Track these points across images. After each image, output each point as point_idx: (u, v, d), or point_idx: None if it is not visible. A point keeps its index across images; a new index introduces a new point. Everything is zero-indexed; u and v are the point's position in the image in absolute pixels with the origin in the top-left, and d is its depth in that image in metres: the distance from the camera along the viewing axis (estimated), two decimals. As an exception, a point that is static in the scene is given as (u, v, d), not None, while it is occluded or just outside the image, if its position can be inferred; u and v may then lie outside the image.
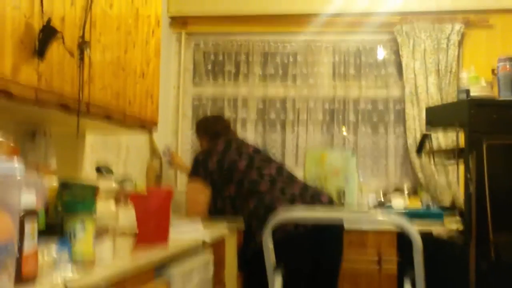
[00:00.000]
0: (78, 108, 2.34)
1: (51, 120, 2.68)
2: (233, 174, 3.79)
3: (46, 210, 1.92)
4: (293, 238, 3.52)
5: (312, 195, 3.69)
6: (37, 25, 2.05)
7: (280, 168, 3.92)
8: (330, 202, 3.75)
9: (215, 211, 3.86)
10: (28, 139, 2.75)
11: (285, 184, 3.74)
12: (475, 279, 3.52)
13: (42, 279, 1.59)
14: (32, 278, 1.53)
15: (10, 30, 1.92)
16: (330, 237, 3.68)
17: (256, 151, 3.98)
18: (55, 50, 2.16)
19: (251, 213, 3.64)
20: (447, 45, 4.98)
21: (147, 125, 3.23)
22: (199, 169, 3.88)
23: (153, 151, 4.65)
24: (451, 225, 4.01)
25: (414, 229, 2.77)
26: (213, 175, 3.83)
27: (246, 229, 3.69)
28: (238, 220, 3.73)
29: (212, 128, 4.18)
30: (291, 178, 3.84)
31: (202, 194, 3.87)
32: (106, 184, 2.21)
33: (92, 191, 2.00)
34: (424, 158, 4.62)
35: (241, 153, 3.88)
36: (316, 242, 3.60)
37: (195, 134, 4.38)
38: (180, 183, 5.01)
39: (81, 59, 2.35)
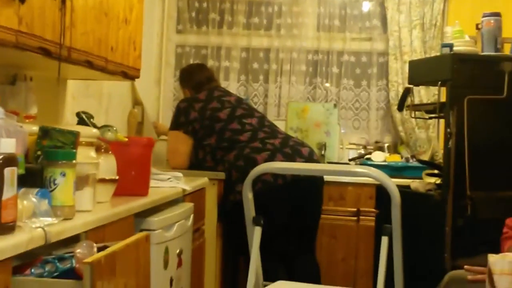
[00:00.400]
0: (59, 53, 2.31)
1: (32, 65, 2.65)
2: (215, 123, 3.78)
3: (26, 156, 1.91)
4: (272, 189, 3.55)
5: (292, 147, 3.70)
6: (18, -33, 2.00)
7: (262, 118, 3.92)
8: (311, 154, 3.77)
9: (196, 162, 3.86)
10: (8, 84, 2.71)
11: (266, 134, 3.75)
12: (451, 234, 3.57)
13: (21, 225, 1.59)
14: (11, 225, 1.52)
15: (-11, -29, 1.88)
16: (310, 189, 3.72)
17: (239, 100, 3.98)
18: (36, -7, 2.12)
19: (231, 164, 3.65)
20: (433, -1, 4.95)
21: (129, 72, 3.19)
22: (181, 117, 3.87)
23: (135, 99, 4.62)
24: (429, 180, 4.05)
25: (392, 183, 2.80)
26: (195, 124, 3.82)
27: (226, 180, 3.70)
28: (218, 172, 3.74)
29: (195, 77, 4.13)
30: (273, 129, 3.85)
31: (184, 144, 3.86)
32: (87, 131, 2.19)
33: (73, 137, 1.98)
34: (405, 112, 4.63)
35: (223, 102, 3.87)
36: (296, 193, 3.63)
37: (178, 83, 4.34)
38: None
39: (63, 2, 2.31)
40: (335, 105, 5.10)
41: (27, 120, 2.25)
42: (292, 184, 3.60)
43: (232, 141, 3.74)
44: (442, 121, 4.22)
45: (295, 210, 3.68)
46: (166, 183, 3.02)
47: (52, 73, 2.57)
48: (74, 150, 1.93)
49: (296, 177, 3.58)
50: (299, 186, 3.63)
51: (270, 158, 3.58)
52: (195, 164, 3.88)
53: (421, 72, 4.06)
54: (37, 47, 2.20)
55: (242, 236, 3.11)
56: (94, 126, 2.43)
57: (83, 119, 2.46)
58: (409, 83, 4.21)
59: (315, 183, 3.75)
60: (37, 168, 1.84)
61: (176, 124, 3.90)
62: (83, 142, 2.07)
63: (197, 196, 3.32)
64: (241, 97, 4.30)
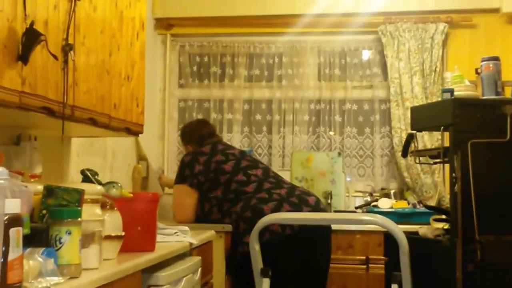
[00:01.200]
0: (63, 112, 2.33)
1: (36, 125, 2.67)
2: (220, 176, 3.79)
3: (31, 216, 1.91)
4: (280, 240, 3.53)
5: (299, 196, 3.69)
6: (20, 28, 2.03)
7: (266, 169, 3.93)
8: (317, 203, 3.75)
9: (202, 214, 3.84)
10: (12, 144, 2.73)
11: (272, 185, 3.75)
12: (462, 279, 3.53)
13: (27, 285, 1.57)
14: (18, 286, 1.51)
15: (-7, 34, 1.91)
16: (318, 238, 3.69)
17: (242, 153, 4.00)
18: (38, 54, 2.15)
19: (238, 216, 3.64)
20: (431, 45, 5.00)
21: (132, 128, 3.21)
22: (185, 170, 3.87)
23: (139, 154, 4.63)
24: (437, 225, 4.02)
25: (399, 230, 2.78)
26: (200, 177, 3.82)
27: (234, 232, 3.68)
28: (225, 224, 3.72)
29: (198, 133, 4.14)
30: (278, 179, 3.85)
31: (189, 197, 3.85)
32: (92, 188, 2.19)
33: (78, 195, 1.98)
34: (410, 158, 4.64)
35: (227, 154, 3.89)
36: (304, 243, 3.60)
37: (181, 142, 4.33)
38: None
39: (65, 62, 2.34)
40: (339, 153, 5.11)
41: (32, 180, 2.25)
42: (300, 233, 3.58)
43: (238, 193, 3.73)
44: (447, 165, 4.22)
45: (304, 259, 3.65)
46: (173, 237, 3.00)
47: (56, 132, 2.59)
48: (79, 208, 1.93)
49: (304, 226, 3.57)
50: (307, 235, 3.61)
51: (277, 208, 3.57)
52: (201, 217, 3.86)
53: (423, 118, 4.07)
54: (41, 107, 2.22)
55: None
56: (99, 183, 2.43)
57: (88, 176, 2.46)
58: (412, 129, 4.23)
59: (322, 232, 3.73)
60: (42, 227, 1.84)
61: (181, 178, 3.89)
62: (88, 200, 2.07)
63: (204, 249, 3.30)
64: (244, 149, 4.31)
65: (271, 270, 3.09)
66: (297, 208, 3.60)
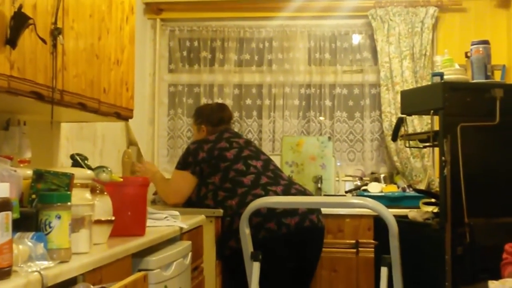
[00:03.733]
0: (52, 96, 2.32)
1: (25, 109, 2.66)
2: (221, 162, 3.79)
3: (21, 200, 1.90)
4: (275, 238, 3.55)
5: (294, 195, 3.71)
6: (8, 12, 2.02)
7: (267, 162, 3.92)
8: None
9: (197, 198, 3.85)
10: (1, 129, 2.72)
11: (269, 180, 3.75)
12: (451, 262, 3.56)
13: (17, 270, 1.58)
14: (7, 270, 1.51)
15: (-20, 18, 1.89)
16: (312, 238, 3.72)
17: (248, 142, 4.01)
18: (27, 37, 2.13)
19: (234, 212, 3.65)
20: (421, 29, 5.01)
21: (122, 113, 3.20)
22: (189, 157, 3.88)
23: (130, 139, 4.62)
24: (427, 209, 4.04)
25: (389, 213, 2.79)
26: (202, 165, 3.83)
27: (227, 226, 3.69)
28: (216, 211, 3.73)
29: (217, 116, 4.13)
30: (276, 174, 3.84)
31: (188, 184, 3.87)
32: (82, 173, 2.19)
33: (67, 180, 1.98)
34: (400, 142, 4.65)
35: (232, 142, 3.90)
36: (298, 242, 3.64)
37: (195, 121, 4.23)
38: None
39: (54, 46, 2.33)
40: (329, 138, 5.11)
41: (21, 165, 2.24)
42: (296, 233, 3.60)
43: (235, 183, 3.73)
44: (436, 149, 4.23)
45: (297, 257, 3.69)
46: (163, 222, 3.01)
47: (45, 117, 2.57)
48: (69, 192, 1.93)
49: (300, 225, 3.60)
50: (302, 235, 3.64)
51: (273, 207, 3.57)
52: (195, 201, 3.87)
53: (413, 102, 4.08)
54: (30, 91, 2.21)
55: (242, 285, 3.13)
56: (89, 167, 2.43)
57: (78, 161, 2.45)
58: (402, 113, 4.23)
59: (317, 233, 3.75)
60: (32, 212, 1.84)
61: (184, 164, 3.89)
62: (78, 184, 2.07)
63: (194, 234, 3.31)
64: (251, 141, 4.29)
65: (265, 264, 3.11)
66: (292, 208, 3.60)
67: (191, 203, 3.89)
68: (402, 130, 4.22)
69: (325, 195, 4.92)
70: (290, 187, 3.74)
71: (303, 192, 3.80)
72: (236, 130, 5.20)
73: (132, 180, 2.84)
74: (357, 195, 4.75)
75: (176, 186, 3.93)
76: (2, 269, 1.49)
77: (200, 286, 3.46)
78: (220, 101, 5.25)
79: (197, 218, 3.44)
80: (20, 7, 2.03)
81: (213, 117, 4.12)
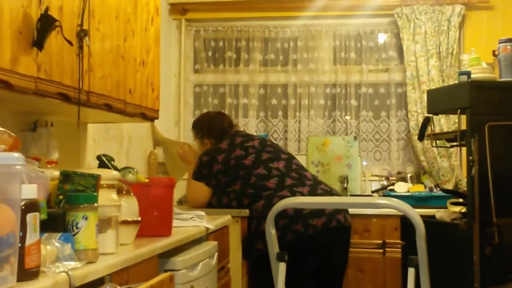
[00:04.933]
0: (79, 98, 2.34)
1: (52, 111, 2.68)
2: (239, 170, 3.72)
3: (48, 201, 1.92)
4: (303, 240, 3.53)
5: (321, 196, 3.67)
6: (35, 15, 2.04)
7: (289, 160, 3.83)
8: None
9: (219, 206, 3.80)
10: (29, 130, 2.74)
11: (294, 181, 3.67)
12: (479, 262, 3.52)
13: (45, 270, 1.59)
14: (35, 270, 1.52)
15: (8, 20, 1.91)
16: (339, 238, 3.69)
17: (263, 143, 3.88)
18: (53, 40, 2.15)
19: (260, 214, 3.60)
20: (448, 27, 4.96)
21: (148, 113, 3.22)
22: (203, 170, 3.80)
23: (155, 139, 4.64)
24: (454, 209, 4.00)
25: (416, 214, 2.77)
26: (219, 177, 3.75)
27: (255, 228, 3.66)
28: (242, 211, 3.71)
29: (218, 127, 3.99)
30: (300, 174, 3.76)
31: (204, 195, 3.81)
32: (108, 173, 2.20)
33: (94, 181, 1.99)
34: (426, 141, 4.61)
35: (247, 148, 3.79)
36: (326, 243, 3.61)
37: (195, 135, 4.10)
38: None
39: (80, 48, 2.34)
40: (355, 138, 5.09)
41: (49, 166, 2.26)
42: (323, 234, 3.56)
43: (258, 188, 3.67)
44: (464, 149, 4.19)
45: (325, 258, 3.66)
46: (189, 222, 3.01)
47: (72, 118, 2.60)
48: (96, 193, 1.94)
49: (327, 226, 3.56)
50: (329, 235, 3.60)
51: (299, 210, 3.53)
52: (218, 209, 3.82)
53: (440, 101, 4.04)
54: (56, 92, 2.22)
55: (269, 285, 3.13)
56: (115, 168, 2.44)
57: (104, 162, 2.46)
58: (428, 112, 4.20)
59: (344, 230, 3.70)
60: (59, 213, 1.85)
61: (199, 176, 3.82)
62: (104, 185, 2.07)
63: (220, 234, 3.31)
64: (263, 136, 4.21)
65: (292, 265, 3.11)
66: (319, 209, 3.56)
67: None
68: (429, 130, 4.18)
69: (351, 195, 4.90)
70: (316, 188, 3.70)
71: (329, 192, 3.75)
72: (261, 130, 5.20)
73: (158, 181, 2.85)
74: (383, 195, 4.73)
75: (192, 195, 3.88)
76: (30, 269, 1.50)
77: (227, 286, 3.46)
78: (245, 101, 5.25)
79: (223, 218, 3.43)
80: (47, 9, 2.05)
81: (213, 129, 3.98)
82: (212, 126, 4.00)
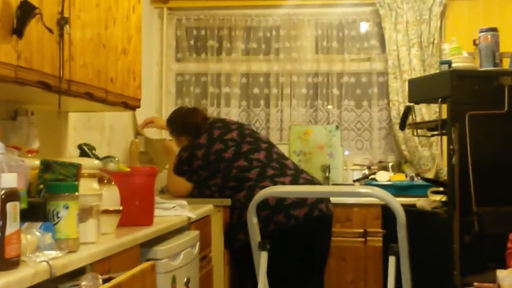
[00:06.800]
0: (59, 86, 2.32)
1: (32, 99, 2.66)
2: (220, 164, 3.73)
3: (29, 191, 1.91)
4: (284, 231, 3.53)
5: (302, 185, 3.67)
6: (15, 2, 2.01)
7: (269, 150, 3.84)
8: None
9: (202, 198, 3.81)
10: (9, 119, 2.72)
11: (275, 171, 3.68)
12: (459, 251, 3.55)
13: (25, 260, 1.58)
14: (15, 260, 1.52)
15: (-14, 8, 1.89)
16: (321, 228, 3.70)
17: (241, 134, 3.87)
18: (33, 27, 2.13)
19: (242, 205, 3.60)
20: (429, 17, 4.98)
21: (130, 102, 3.20)
22: (184, 166, 3.82)
23: (137, 129, 4.62)
24: (435, 197, 4.03)
25: (396, 202, 2.79)
26: (199, 171, 3.77)
27: (236, 219, 3.67)
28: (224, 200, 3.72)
29: (192, 123, 3.96)
30: (281, 163, 3.76)
31: (184, 188, 3.84)
32: (89, 163, 2.19)
33: (75, 170, 1.98)
34: (408, 131, 4.64)
35: (226, 141, 3.79)
36: (307, 233, 3.62)
37: (171, 133, 4.10)
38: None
39: (61, 36, 2.32)
40: (337, 127, 5.10)
41: (29, 155, 2.25)
42: (304, 224, 3.57)
43: (239, 180, 3.67)
44: (445, 138, 4.21)
45: (307, 247, 3.67)
46: (171, 211, 3.01)
47: (53, 107, 2.58)
48: (76, 182, 1.93)
49: (309, 216, 3.56)
50: (311, 225, 3.61)
51: (281, 200, 3.53)
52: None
53: (421, 90, 4.07)
54: (37, 81, 2.21)
55: (251, 275, 3.14)
56: (96, 157, 2.43)
57: (85, 151, 2.46)
58: (410, 102, 4.22)
59: (325, 222, 3.72)
60: (40, 202, 1.84)
61: (179, 171, 3.83)
62: (85, 174, 2.07)
63: (202, 223, 3.31)
64: (243, 124, 4.19)
65: (274, 255, 3.12)
66: (301, 199, 3.56)
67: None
68: (410, 119, 4.21)
69: (333, 184, 4.92)
70: (298, 177, 3.71)
71: (311, 181, 3.76)
72: (244, 119, 5.19)
73: (140, 170, 2.84)
74: (365, 184, 4.75)
75: (174, 188, 3.91)
76: (10, 259, 1.50)
77: (209, 276, 3.47)
78: (227, 90, 5.25)
79: (205, 207, 3.44)
80: (27, -4, 2.03)
81: (187, 126, 3.96)
82: (186, 123, 3.99)
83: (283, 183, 3.62)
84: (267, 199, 3.43)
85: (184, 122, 4.00)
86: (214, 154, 3.74)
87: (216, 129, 3.87)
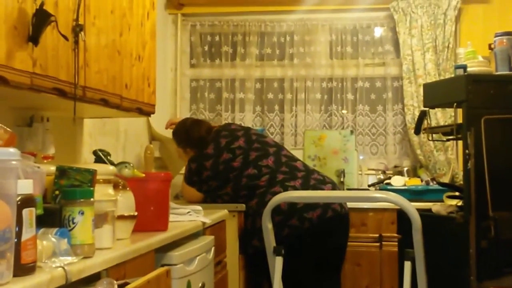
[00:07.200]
0: (74, 93, 2.33)
1: (48, 106, 2.67)
2: (229, 174, 3.73)
3: (44, 197, 1.92)
4: (299, 234, 3.52)
5: (314, 186, 3.65)
6: (30, 10, 2.03)
7: (278, 154, 3.82)
8: (334, 190, 3.74)
9: None
10: (25, 126, 2.74)
11: (285, 175, 3.67)
12: (475, 256, 3.53)
13: (41, 265, 1.59)
14: (31, 266, 1.53)
15: (3, 16, 1.90)
16: (336, 229, 3.68)
17: (248, 140, 3.85)
18: (49, 35, 2.15)
19: (255, 212, 3.61)
20: (444, 21, 4.96)
21: (144, 108, 3.21)
22: (193, 177, 3.83)
23: (152, 134, 4.63)
24: (451, 202, 4.01)
25: (412, 207, 2.77)
26: (209, 182, 3.78)
27: (251, 226, 3.67)
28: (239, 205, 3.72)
29: (196, 136, 3.95)
30: (291, 166, 3.75)
31: (196, 197, 3.86)
32: (104, 168, 2.20)
33: (90, 176, 1.99)
34: (423, 135, 4.62)
35: (234, 150, 3.78)
36: (322, 235, 3.60)
37: (177, 145, 4.08)
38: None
39: (76, 43, 2.33)
40: (351, 132, 5.09)
41: (45, 161, 2.26)
42: (319, 226, 3.56)
43: (250, 188, 3.67)
44: (460, 142, 4.20)
45: (323, 250, 3.65)
46: (186, 217, 3.01)
47: (68, 113, 2.59)
48: (92, 188, 1.94)
49: (322, 217, 3.55)
50: (326, 227, 3.59)
51: (293, 204, 3.52)
52: None
53: (436, 95, 4.05)
54: (52, 88, 2.22)
55: (266, 279, 3.14)
56: (111, 163, 2.44)
57: (100, 157, 2.47)
58: (425, 106, 4.20)
59: (341, 218, 3.69)
60: (55, 208, 1.85)
61: (190, 181, 3.85)
62: (101, 180, 2.08)
63: (217, 228, 3.31)
64: (249, 128, 4.13)
65: (290, 259, 3.11)
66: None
67: None
68: (425, 123, 4.19)
69: (348, 189, 4.90)
70: (308, 179, 3.69)
71: (322, 181, 3.73)
72: (258, 124, 5.19)
73: (155, 176, 2.85)
74: (380, 189, 4.73)
75: (186, 196, 3.94)
76: (26, 264, 1.50)
77: (224, 281, 3.46)
78: (242, 95, 5.25)
79: (219, 212, 3.44)
80: (42, 4, 2.04)
81: (191, 139, 3.96)
82: (190, 136, 3.98)
83: (294, 187, 3.61)
84: (279, 204, 3.42)
85: (187, 135, 3.99)
86: (223, 164, 3.75)
87: (222, 138, 3.86)
